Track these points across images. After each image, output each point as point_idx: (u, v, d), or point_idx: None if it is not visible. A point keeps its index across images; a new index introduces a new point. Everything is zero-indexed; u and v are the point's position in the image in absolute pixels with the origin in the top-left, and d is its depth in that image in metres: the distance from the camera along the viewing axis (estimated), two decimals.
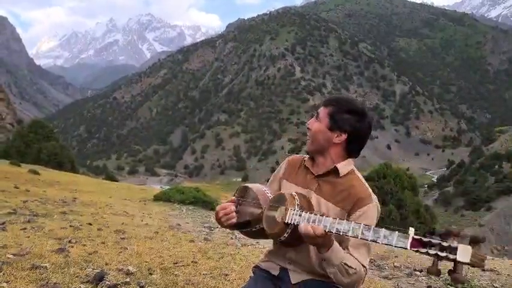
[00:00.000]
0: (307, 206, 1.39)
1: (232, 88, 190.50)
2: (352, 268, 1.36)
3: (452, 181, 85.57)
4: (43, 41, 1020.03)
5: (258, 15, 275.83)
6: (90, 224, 5.19)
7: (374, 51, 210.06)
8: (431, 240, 0.96)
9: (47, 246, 3.60)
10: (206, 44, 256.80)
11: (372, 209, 1.45)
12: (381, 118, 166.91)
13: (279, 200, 1.41)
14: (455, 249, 0.93)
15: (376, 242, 1.08)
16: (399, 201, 17.88)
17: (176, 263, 3.55)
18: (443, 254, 0.94)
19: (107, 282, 2.81)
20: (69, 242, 3.93)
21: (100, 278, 2.81)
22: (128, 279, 2.92)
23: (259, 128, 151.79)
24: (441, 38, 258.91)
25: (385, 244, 1.06)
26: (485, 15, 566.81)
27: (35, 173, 14.46)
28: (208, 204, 10.44)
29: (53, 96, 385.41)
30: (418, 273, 4.26)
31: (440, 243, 0.95)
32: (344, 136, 1.50)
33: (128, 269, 3.12)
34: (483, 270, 4.53)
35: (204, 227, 6.65)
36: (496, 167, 75.69)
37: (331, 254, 1.34)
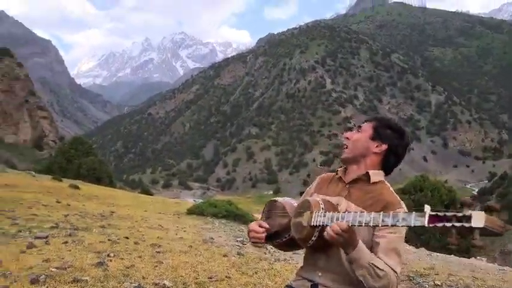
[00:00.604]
0: (332, 209, 1.42)
1: (263, 102, 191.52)
2: (382, 270, 1.36)
3: (494, 194, 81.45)
4: (83, 61, 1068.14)
5: (288, 29, 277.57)
6: (127, 237, 5.32)
7: (407, 62, 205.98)
8: (446, 213, 1.00)
9: (87, 260, 3.72)
10: (237, 60, 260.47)
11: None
12: (416, 129, 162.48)
13: (304, 206, 1.45)
14: (470, 216, 0.97)
15: (396, 225, 1.11)
16: None
17: (210, 278, 3.58)
18: (459, 224, 0.97)
19: None
20: (108, 255, 4.05)
21: None
22: None
23: (290, 140, 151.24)
24: (477, 46, 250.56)
25: (405, 225, 1.08)
26: None
27: (76, 187, 14.99)
28: (240, 217, 10.45)
29: (92, 114, 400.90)
30: None
31: (455, 215, 0.98)
32: (384, 147, 1.58)
33: (164, 284, 3.15)
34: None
35: (237, 241, 6.66)
36: None
37: (358, 254, 1.35)
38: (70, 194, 12.92)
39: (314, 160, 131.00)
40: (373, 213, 1.18)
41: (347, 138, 1.62)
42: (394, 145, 1.59)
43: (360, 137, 1.60)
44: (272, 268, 4.30)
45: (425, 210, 1.02)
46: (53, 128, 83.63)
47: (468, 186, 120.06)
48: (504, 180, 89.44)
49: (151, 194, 34.13)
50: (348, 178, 1.60)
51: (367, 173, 1.56)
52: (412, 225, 1.04)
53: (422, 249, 9.41)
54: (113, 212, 8.57)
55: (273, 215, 1.60)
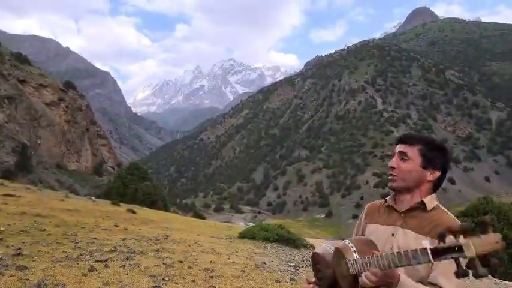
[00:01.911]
0: (365, 247, 1.42)
1: (312, 124, 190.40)
2: None
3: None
4: (139, 90, 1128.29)
5: (336, 50, 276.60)
6: (181, 261, 5.44)
7: (463, 78, 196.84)
8: (443, 246, 0.97)
9: (143, 284, 3.85)
10: (285, 83, 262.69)
11: None
12: (476, 148, 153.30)
13: (338, 255, 1.45)
14: (461, 246, 0.93)
15: (410, 265, 1.10)
16: (505, 239, 15.87)
17: None
18: (457, 255, 0.94)
19: None
20: (163, 279, 4.16)
21: None
22: None
23: (341, 162, 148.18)
24: None
25: (416, 264, 1.07)
26: None
27: (132, 212, 15.62)
28: (292, 241, 10.33)
29: (148, 140, 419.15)
30: None
31: (449, 246, 0.96)
32: (438, 173, 1.57)
33: None
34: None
35: (289, 265, 6.57)
36: None
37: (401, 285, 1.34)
38: (127, 218, 13.47)
39: (367, 182, 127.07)
40: (389, 253, 1.17)
41: (393, 168, 1.61)
42: (445, 166, 1.59)
43: (411, 168, 1.57)
44: None
45: (423, 244, 1.06)
46: (111, 155, 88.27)
47: None
48: None
49: (203, 218, 34.72)
50: (401, 207, 1.59)
51: (423, 201, 1.55)
52: (422, 262, 1.04)
53: (489, 276, 8.75)
54: (167, 236, 8.82)
55: (320, 268, 1.59)
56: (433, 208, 1.55)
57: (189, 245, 7.71)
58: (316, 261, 1.61)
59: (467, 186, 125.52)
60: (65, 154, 71.49)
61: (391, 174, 1.61)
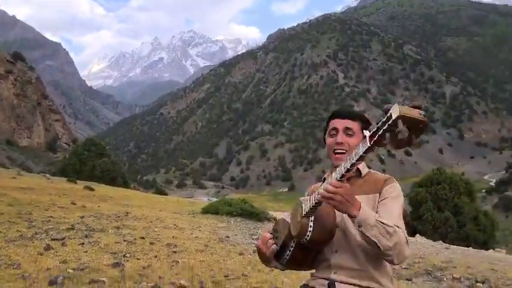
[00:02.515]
0: (324, 208, 1.48)
1: (275, 98, 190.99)
2: (390, 226, 1.41)
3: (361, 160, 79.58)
4: (94, 62, 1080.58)
5: (298, 24, 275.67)
6: (142, 238, 5.34)
7: (420, 53, 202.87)
8: (376, 124, 1.08)
9: (103, 261, 3.74)
10: (247, 56, 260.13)
11: (397, 184, 1.62)
12: (431, 121, 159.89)
13: (296, 207, 1.52)
14: (390, 113, 1.05)
15: (353, 160, 1.20)
16: (456, 207, 16.97)
17: (227, 276, 3.56)
18: (386, 126, 1.05)
19: None
20: (124, 256, 4.07)
21: None
22: None
23: (304, 137, 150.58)
24: (492, 34, 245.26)
25: (358, 159, 1.17)
26: None
27: (90, 189, 15.17)
28: (255, 215, 10.44)
29: (104, 115, 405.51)
30: (480, 285, 3.99)
31: (382, 120, 1.07)
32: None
33: (181, 283, 3.14)
34: None
35: (253, 238, 6.65)
36: None
37: (365, 214, 1.40)
38: (85, 195, 13.08)
39: (328, 156, 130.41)
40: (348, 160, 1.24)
41: (341, 143, 1.64)
42: None
43: (356, 143, 1.57)
44: None
45: (364, 133, 1.12)
46: (66, 131, 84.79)
47: (485, 177, 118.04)
48: None
49: (165, 194, 34.43)
50: None
51: (358, 169, 1.64)
52: (361, 152, 1.12)
53: (440, 242, 9.27)
54: (128, 213, 8.64)
55: (278, 233, 1.63)
56: (366, 174, 1.67)
57: (151, 221, 7.60)
58: (277, 224, 1.67)
59: (423, 158, 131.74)
60: (15, 130, 67.94)
61: (338, 151, 1.64)
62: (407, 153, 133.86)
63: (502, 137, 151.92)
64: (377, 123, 1.08)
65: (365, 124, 1.66)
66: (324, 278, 1.56)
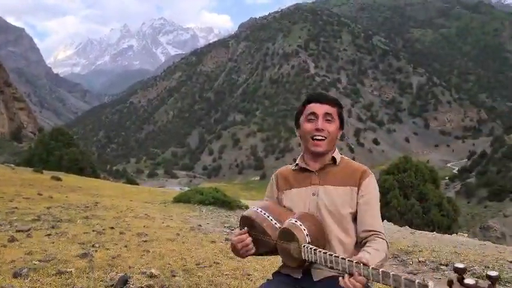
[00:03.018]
0: (315, 230, 1.45)
1: (247, 88, 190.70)
2: (384, 254, 1.43)
3: (474, 172, 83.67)
4: (60, 49, 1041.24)
5: (270, 13, 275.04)
6: (112, 228, 5.25)
7: (388, 44, 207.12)
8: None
9: (71, 252, 3.66)
10: (219, 45, 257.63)
11: (373, 177, 1.61)
12: (398, 111, 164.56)
13: (288, 237, 1.43)
14: None
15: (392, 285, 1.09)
16: (421, 194, 17.56)
17: (198, 264, 3.56)
18: None
19: (131, 286, 2.81)
20: (93, 246, 3.99)
21: (124, 281, 2.82)
22: (151, 282, 2.91)
23: (276, 126, 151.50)
24: (457, 27, 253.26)
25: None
26: (502, 1, 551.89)
27: (58, 179, 14.74)
28: (227, 203, 10.45)
29: (72, 104, 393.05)
30: (444, 267, 4.16)
31: None
32: (341, 131, 1.67)
33: (151, 272, 3.12)
34: (510, 262, 4.41)
35: (225, 227, 6.67)
36: None
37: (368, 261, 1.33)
38: (52, 186, 12.70)
39: (299, 145, 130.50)
40: (370, 268, 1.16)
41: (322, 129, 1.58)
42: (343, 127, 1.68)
43: (335, 129, 1.61)
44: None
45: (428, 284, 1.02)
46: (31, 119, 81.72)
47: (449, 165, 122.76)
48: (483, 158, 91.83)
49: (136, 184, 33.88)
50: (314, 166, 1.63)
51: (333, 157, 1.62)
52: None
53: (406, 227, 9.59)
54: (97, 203, 8.46)
55: (255, 235, 1.55)
56: (340, 161, 1.63)
57: (121, 211, 7.48)
58: (249, 225, 1.56)
59: (390, 146, 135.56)
60: None
61: (318, 137, 1.59)
62: (376, 142, 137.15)
63: (465, 127, 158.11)
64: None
65: (341, 110, 1.64)
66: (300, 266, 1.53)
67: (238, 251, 1.55)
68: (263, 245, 1.53)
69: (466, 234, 12.79)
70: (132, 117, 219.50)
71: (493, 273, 0.94)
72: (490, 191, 65.22)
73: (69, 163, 27.22)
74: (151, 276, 3.06)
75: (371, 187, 1.57)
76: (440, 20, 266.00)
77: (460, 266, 0.97)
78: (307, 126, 1.59)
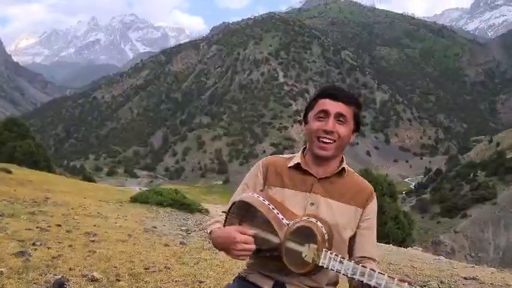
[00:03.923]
0: (331, 235, 1.27)
1: (216, 91, 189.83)
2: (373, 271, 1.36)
3: (429, 188, 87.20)
4: (22, 37, 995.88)
5: (243, 19, 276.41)
6: (59, 225, 4.91)
7: (356, 59, 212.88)
8: None
9: (7, 249, 3.34)
10: (190, 46, 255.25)
11: (376, 200, 1.46)
12: (362, 125, 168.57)
13: (306, 235, 1.22)
14: None
15: None
16: (379, 207, 17.91)
17: (147, 269, 3.33)
18: None
19: None
20: (33, 244, 3.67)
21: (60, 285, 2.56)
22: (91, 287, 2.68)
23: (242, 131, 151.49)
24: (421, 48, 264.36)
25: None
26: (463, 27, 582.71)
27: (7, 171, 13.89)
28: (187, 206, 10.16)
29: (31, 94, 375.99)
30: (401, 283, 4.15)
31: None
32: (354, 136, 1.46)
33: (93, 275, 2.90)
34: (465, 278, 4.46)
35: (181, 230, 6.42)
36: (471, 175, 77.37)
37: None
38: (0, 178, 11.93)
39: (264, 151, 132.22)
40: (406, 284, 1.05)
41: (332, 132, 1.35)
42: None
43: (347, 133, 1.39)
44: (215, 258, 4.12)
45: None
46: None
47: (406, 180, 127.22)
48: (438, 175, 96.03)
49: (93, 181, 32.64)
50: (318, 172, 1.41)
51: (344, 168, 1.42)
52: None
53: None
54: (47, 198, 7.98)
55: (250, 222, 1.29)
56: (346, 174, 1.44)
57: (72, 208, 7.06)
58: (247, 213, 1.31)
59: (352, 159, 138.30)
60: None
61: (325, 140, 1.36)
62: None
63: (423, 144, 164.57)
64: None
65: (359, 110, 1.42)
66: (270, 277, 1.35)
67: (230, 246, 1.26)
68: (260, 242, 1.27)
69: (421, 248, 13.12)
70: (94, 112, 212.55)
71: None
72: (442, 207, 68.01)
73: (23, 155, 25.87)
74: (93, 280, 2.83)
75: (375, 211, 1.44)
76: (405, 40, 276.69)
77: None
78: (316, 124, 1.36)
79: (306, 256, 1.20)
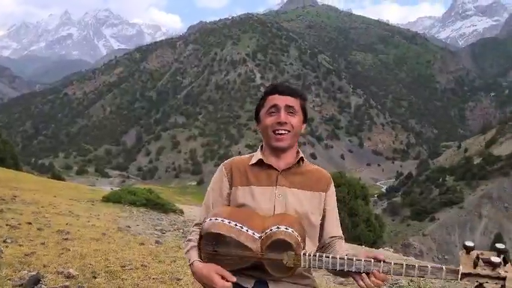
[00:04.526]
0: (302, 231, 1.33)
1: (192, 91, 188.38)
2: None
3: (400, 192, 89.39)
4: None
5: (220, 19, 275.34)
6: (29, 223, 4.77)
7: (332, 63, 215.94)
8: (479, 273, 1.04)
9: None
10: (166, 44, 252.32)
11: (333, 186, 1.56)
12: (337, 128, 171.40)
13: (281, 246, 1.27)
14: (504, 278, 1.03)
15: (423, 277, 1.11)
16: (351, 209, 18.25)
17: (124, 267, 3.29)
18: (493, 283, 1.03)
19: (43, 286, 2.54)
20: (4, 241, 3.57)
21: (35, 281, 2.53)
22: (67, 283, 2.66)
23: (217, 132, 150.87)
24: (395, 54, 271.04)
25: (432, 278, 1.12)
26: (436, 35, 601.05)
27: None
28: (161, 206, 10.05)
29: None
30: None
31: (488, 275, 1.04)
32: (305, 125, 1.55)
33: (69, 272, 2.88)
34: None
35: (156, 229, 6.36)
36: (440, 179, 79.80)
37: None
38: None
39: (240, 153, 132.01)
40: (392, 263, 1.16)
41: (285, 123, 1.45)
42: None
43: (298, 122, 1.48)
44: None
45: (459, 268, 1.06)
46: None
47: (378, 183, 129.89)
48: (409, 179, 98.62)
49: (63, 180, 31.76)
50: (280, 165, 1.48)
51: (302, 158, 1.52)
52: (443, 279, 1.09)
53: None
54: (15, 196, 7.73)
55: (224, 246, 1.31)
56: (304, 164, 1.53)
57: (42, 207, 6.87)
58: (218, 242, 1.32)
59: (327, 161, 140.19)
60: None
61: (281, 132, 1.45)
62: (313, 157, 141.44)
63: (395, 149, 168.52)
64: (480, 269, 1.03)
65: (304, 102, 1.52)
66: (252, 276, 1.37)
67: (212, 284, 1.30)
68: (239, 262, 1.32)
69: (392, 250, 13.46)
70: (65, 109, 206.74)
71: (500, 246, 1.02)
72: (412, 210, 69.87)
73: None
74: (69, 276, 2.80)
75: (334, 194, 1.55)
76: (380, 46, 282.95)
77: (470, 244, 1.05)
78: (269, 119, 1.47)
79: (287, 263, 1.26)
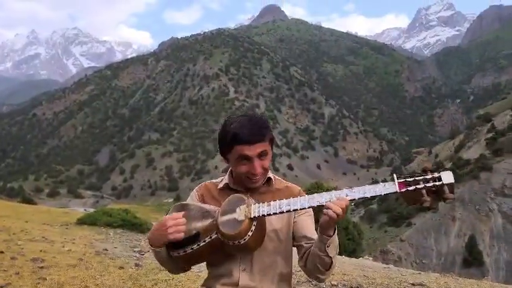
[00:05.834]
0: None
1: (165, 107, 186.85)
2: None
3: (376, 199, 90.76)
4: None
5: (192, 35, 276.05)
6: (1, 252, 4.60)
7: (304, 75, 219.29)
8: (415, 178, 1.08)
9: None
10: (138, 61, 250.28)
11: None
12: (311, 139, 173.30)
13: (235, 202, 1.32)
14: (439, 177, 1.07)
15: (365, 197, 1.14)
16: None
17: None
18: (431, 184, 1.07)
19: None
20: None
21: None
22: None
23: (193, 147, 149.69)
24: (364, 65, 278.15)
25: (375, 195, 1.13)
26: (402, 46, 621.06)
27: None
28: (138, 226, 9.87)
29: None
30: None
31: (424, 178, 1.09)
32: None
33: None
34: (412, 284, 4.71)
35: (134, 251, 6.23)
36: None
37: (335, 234, 1.32)
38: None
39: (216, 167, 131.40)
40: (333, 191, 1.20)
41: (257, 174, 1.44)
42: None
43: (270, 159, 1.47)
44: (173, 278, 4.05)
45: (394, 177, 1.09)
46: None
47: None
48: None
49: (34, 203, 30.69)
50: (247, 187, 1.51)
51: (269, 178, 1.52)
52: (384, 193, 1.09)
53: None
54: None
55: (189, 220, 1.36)
56: (275, 182, 1.55)
57: (14, 234, 6.63)
58: (186, 208, 1.43)
59: (303, 172, 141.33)
60: None
61: (254, 179, 1.45)
62: (290, 168, 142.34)
63: (369, 157, 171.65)
64: (413, 177, 1.06)
65: (272, 134, 1.47)
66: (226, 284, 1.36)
67: (164, 232, 1.31)
68: (195, 228, 1.35)
69: (371, 258, 13.61)
70: (34, 130, 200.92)
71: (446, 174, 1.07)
72: (389, 217, 70.88)
73: None
74: None
75: (309, 210, 1.53)
76: (350, 57, 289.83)
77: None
78: (241, 168, 1.43)
79: (239, 217, 1.28)
